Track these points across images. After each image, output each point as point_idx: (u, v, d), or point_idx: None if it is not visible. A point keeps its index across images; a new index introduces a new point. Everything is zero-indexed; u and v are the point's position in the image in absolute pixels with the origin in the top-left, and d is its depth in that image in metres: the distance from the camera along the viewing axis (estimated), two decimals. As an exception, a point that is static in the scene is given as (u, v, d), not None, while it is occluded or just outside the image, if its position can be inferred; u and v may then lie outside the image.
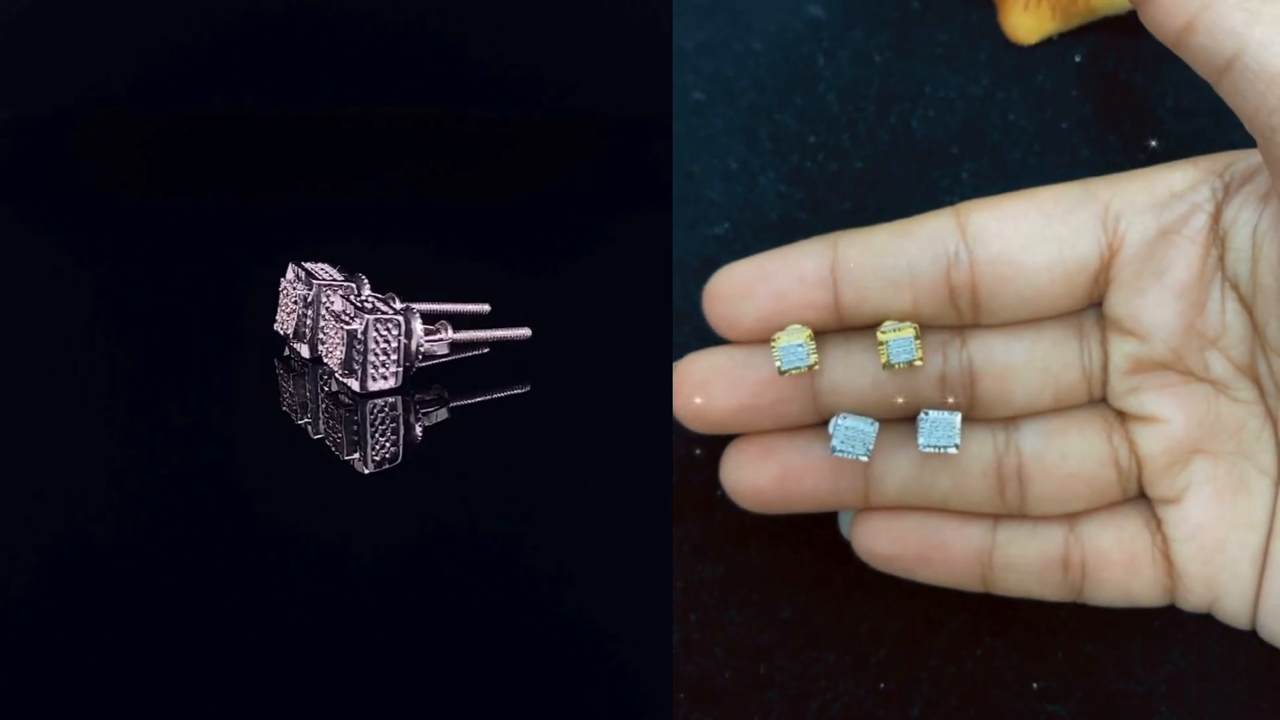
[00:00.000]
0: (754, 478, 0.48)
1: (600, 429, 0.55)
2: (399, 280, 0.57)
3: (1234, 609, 0.47)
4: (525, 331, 0.55)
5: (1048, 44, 0.54)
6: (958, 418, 0.46)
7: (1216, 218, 0.45)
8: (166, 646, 0.45)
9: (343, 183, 0.67)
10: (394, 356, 0.54)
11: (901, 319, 0.47)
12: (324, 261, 0.57)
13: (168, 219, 0.65)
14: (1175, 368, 0.46)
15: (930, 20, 0.54)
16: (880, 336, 0.46)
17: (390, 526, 0.50)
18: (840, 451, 0.47)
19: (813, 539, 0.52)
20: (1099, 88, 0.54)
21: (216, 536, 0.49)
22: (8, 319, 0.59)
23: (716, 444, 0.50)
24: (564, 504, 0.52)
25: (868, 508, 0.48)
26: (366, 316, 0.54)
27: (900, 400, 0.47)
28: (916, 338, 0.46)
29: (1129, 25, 0.54)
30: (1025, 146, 0.54)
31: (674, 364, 0.48)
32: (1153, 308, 0.46)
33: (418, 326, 0.55)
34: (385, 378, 0.54)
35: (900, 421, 0.48)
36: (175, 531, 0.49)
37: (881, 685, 0.51)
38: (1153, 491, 0.47)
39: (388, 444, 0.53)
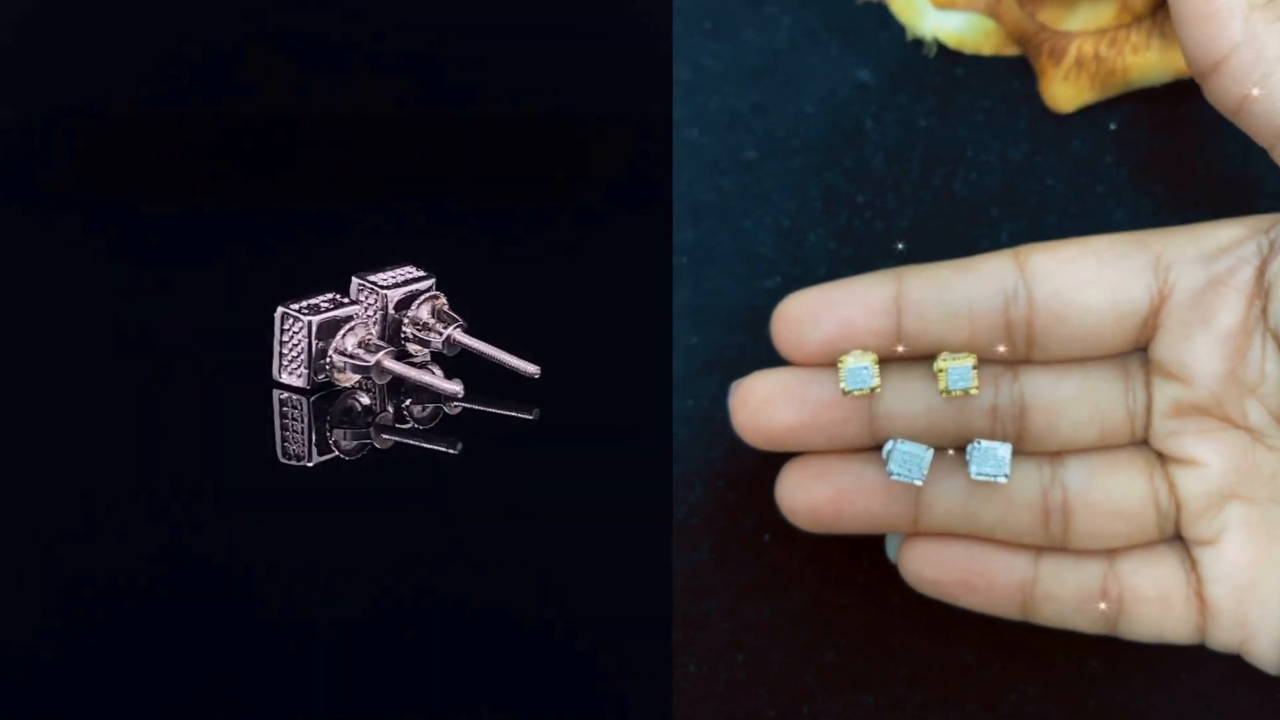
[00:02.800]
0: (810, 497, 0.49)
1: (600, 429, 0.54)
2: (359, 270, 0.56)
3: (1263, 650, 0.48)
4: (534, 369, 0.54)
5: (1085, 112, 0.55)
6: (1008, 449, 0.47)
7: (1262, 271, 0.46)
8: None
9: (342, 183, 0.66)
10: (299, 357, 0.54)
11: (958, 351, 0.48)
12: (314, 266, 0.57)
13: (167, 220, 0.64)
14: (1215, 413, 0.47)
15: (973, 87, 0.55)
16: (939, 364, 0.47)
17: (383, 528, 0.50)
18: (897, 475, 0.47)
19: (855, 584, 0.53)
20: (1132, 154, 0.55)
21: (210, 539, 0.49)
22: (6, 319, 0.59)
23: (758, 485, 0.50)
24: (563, 505, 0.51)
25: (916, 533, 0.49)
26: (291, 309, 0.53)
27: (943, 430, 0.48)
28: (974, 367, 0.47)
29: (1162, 95, 0.54)
30: (1062, 209, 0.54)
31: (736, 382, 0.49)
32: (1198, 353, 0.47)
33: (349, 341, 0.54)
34: (292, 373, 0.54)
35: (952, 452, 0.49)
36: (160, 543, 0.49)
37: (919, 728, 0.52)
38: (1189, 533, 0.48)
39: (293, 443, 0.53)
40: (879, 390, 0.48)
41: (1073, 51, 0.53)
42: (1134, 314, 0.48)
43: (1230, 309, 0.47)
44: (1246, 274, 0.47)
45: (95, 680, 0.44)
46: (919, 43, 0.55)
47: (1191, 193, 0.54)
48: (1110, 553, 0.49)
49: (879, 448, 0.49)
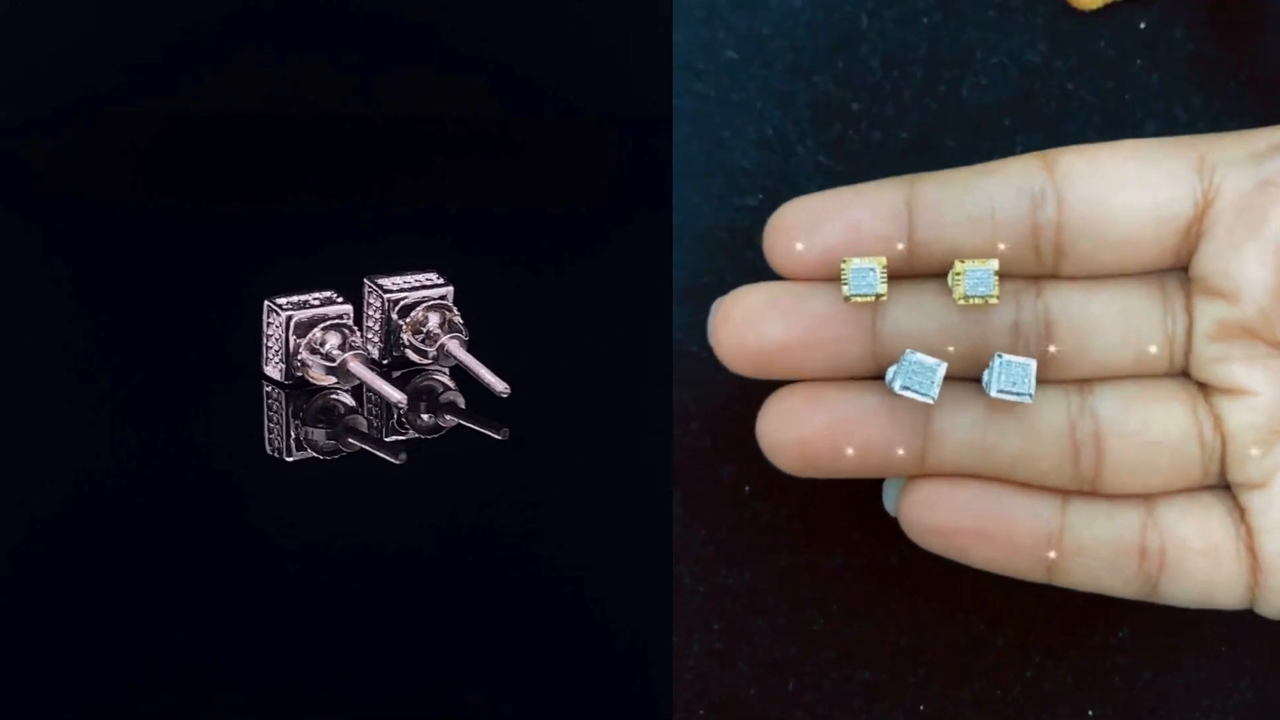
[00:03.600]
0: (799, 428, 0.46)
1: (600, 430, 0.55)
2: (376, 271, 0.58)
3: None
4: (504, 387, 0.56)
5: (1111, 9, 0.53)
6: (1033, 364, 0.45)
7: None
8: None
9: (341, 183, 0.68)
10: (279, 350, 0.57)
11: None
12: (314, 267, 0.60)
13: (167, 220, 0.66)
14: (1264, 336, 0.46)
15: None
16: (956, 269, 0.46)
17: (387, 523, 0.51)
18: (905, 389, 0.45)
19: (848, 542, 0.50)
20: (1166, 57, 0.53)
21: (204, 540, 0.50)
22: (5, 320, 0.60)
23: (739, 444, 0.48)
24: (563, 506, 0.52)
25: (921, 475, 0.47)
26: (275, 303, 0.57)
27: (956, 350, 0.46)
28: (996, 273, 0.45)
29: None
30: (1085, 119, 0.52)
31: (719, 299, 0.47)
32: (1246, 263, 0.45)
33: (328, 339, 0.57)
34: (274, 367, 0.57)
35: (967, 379, 0.47)
36: (155, 538, 0.50)
37: (921, 708, 0.50)
38: (1237, 475, 0.46)
39: (275, 435, 0.56)
40: (885, 301, 0.46)
41: None
42: (1176, 219, 0.46)
43: None
44: None
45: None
46: None
47: (1233, 101, 0.52)
48: (1149, 500, 0.47)
49: (881, 377, 0.46)
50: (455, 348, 0.57)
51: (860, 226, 0.46)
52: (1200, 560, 0.46)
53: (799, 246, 0.46)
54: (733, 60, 0.52)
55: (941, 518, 0.46)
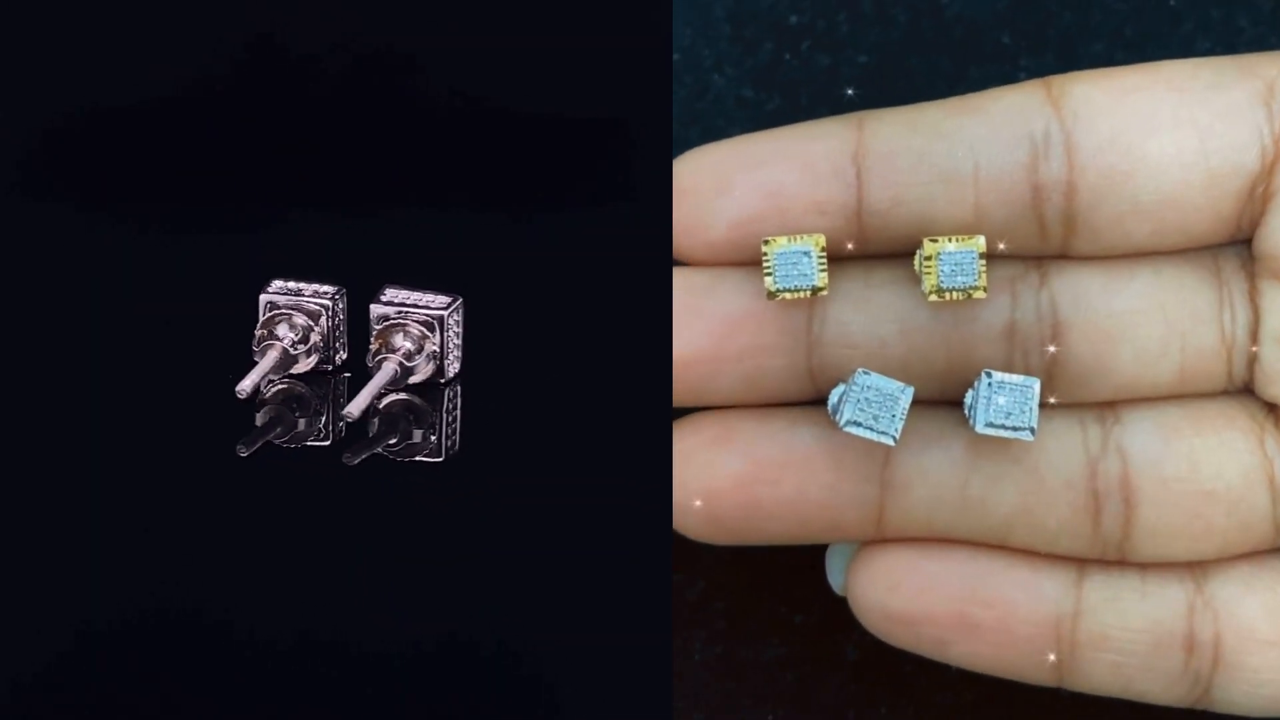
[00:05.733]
0: (706, 477, 0.41)
1: (600, 430, 0.51)
2: (397, 282, 0.56)
3: None
4: (352, 412, 0.53)
5: None
6: (1035, 385, 0.39)
7: None
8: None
9: (339, 183, 0.65)
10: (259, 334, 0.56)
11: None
12: (314, 266, 0.57)
13: (165, 220, 0.63)
14: None
15: None
16: (927, 248, 0.39)
17: (381, 520, 0.49)
18: (854, 425, 0.39)
19: (789, 630, 0.45)
20: None
21: (196, 544, 0.48)
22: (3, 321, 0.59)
23: None
24: (562, 506, 0.48)
25: (879, 538, 0.42)
26: (269, 289, 0.57)
27: (928, 364, 0.41)
28: (982, 255, 0.39)
29: None
30: (1110, 36, 0.47)
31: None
32: None
33: (279, 329, 0.55)
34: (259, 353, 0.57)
35: (941, 405, 0.41)
36: (154, 538, 0.48)
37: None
38: None
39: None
40: (824, 294, 0.40)
41: None
42: (1235, 174, 0.40)
43: None
44: None
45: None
46: None
47: None
48: (1198, 569, 0.41)
49: (821, 401, 0.41)
50: (376, 371, 0.56)
51: (785, 189, 0.40)
52: (1272, 655, 0.41)
53: (701, 220, 0.41)
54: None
55: (906, 601, 0.41)
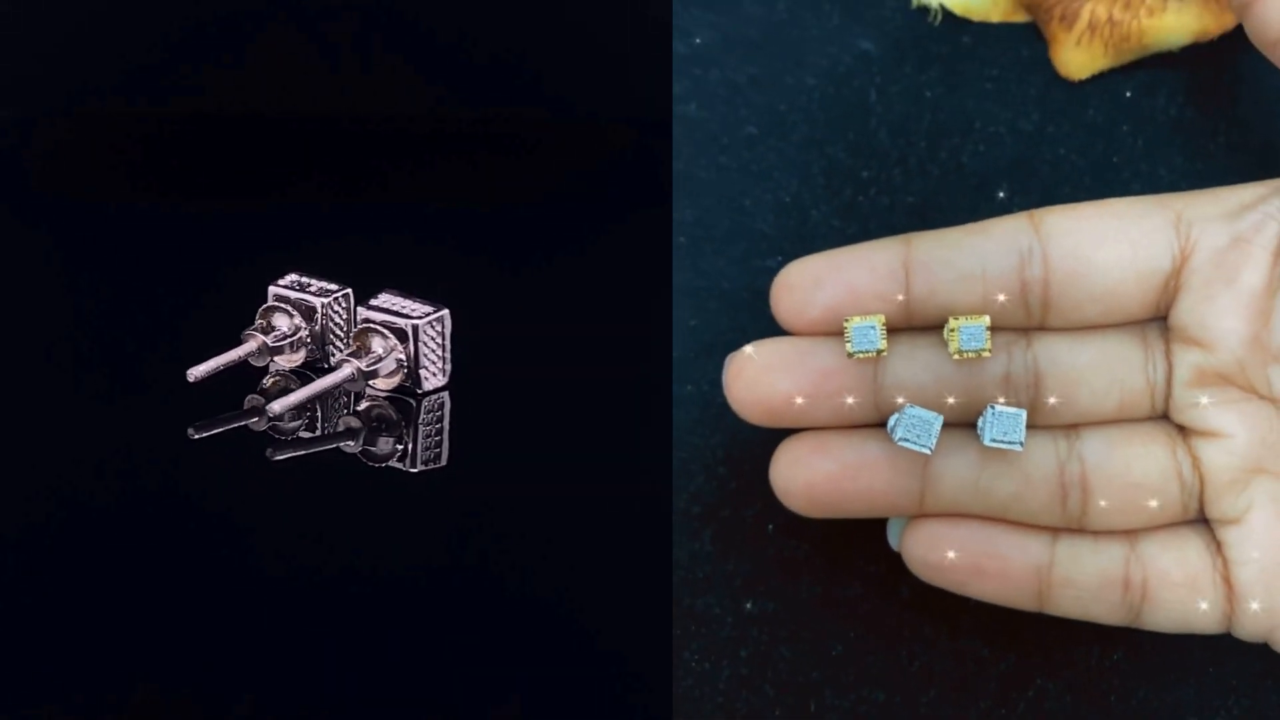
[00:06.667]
0: (808, 474, 0.47)
1: (600, 430, 0.54)
2: (397, 282, 0.57)
3: None
4: (274, 408, 0.53)
5: (1099, 79, 0.54)
6: (1023, 415, 0.46)
7: None
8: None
9: (339, 184, 0.67)
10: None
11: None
12: (315, 266, 0.58)
13: (163, 221, 0.65)
14: (1238, 382, 0.46)
15: (981, 55, 0.54)
16: (950, 324, 0.46)
17: (384, 528, 0.50)
18: (905, 441, 0.46)
19: (864, 575, 0.52)
20: (1150, 123, 0.54)
21: (201, 541, 0.49)
22: (3, 320, 0.59)
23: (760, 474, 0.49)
24: (562, 506, 0.51)
25: (922, 514, 0.48)
26: (280, 281, 0.55)
27: (952, 400, 0.47)
28: (988, 328, 0.46)
29: (1180, 60, 0.54)
30: (1075, 181, 0.54)
31: (731, 354, 0.48)
32: (1221, 315, 0.46)
33: (273, 319, 0.55)
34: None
35: (961, 427, 0.47)
36: (150, 542, 0.49)
37: (932, 725, 0.51)
38: (1214, 511, 0.47)
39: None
40: (885, 355, 0.46)
41: (1085, 15, 0.53)
42: (1155, 273, 0.47)
43: (1255, 267, 0.46)
44: (1272, 230, 0.46)
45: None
46: (924, 10, 0.55)
47: (1212, 162, 0.54)
48: (1132, 535, 0.47)
49: (883, 425, 0.47)
50: (338, 373, 0.54)
51: (859, 285, 0.47)
52: (1179, 591, 0.47)
53: (804, 305, 0.47)
54: (752, 134, 0.54)
55: (940, 555, 0.47)
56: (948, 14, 0.54)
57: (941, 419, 0.46)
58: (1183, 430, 0.47)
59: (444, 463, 0.52)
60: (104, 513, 0.51)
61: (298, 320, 0.55)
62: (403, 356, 0.54)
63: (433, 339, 0.54)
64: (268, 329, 0.55)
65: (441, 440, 0.53)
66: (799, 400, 0.47)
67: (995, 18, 0.54)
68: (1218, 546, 0.47)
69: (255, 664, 0.46)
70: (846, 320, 0.46)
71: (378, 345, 0.54)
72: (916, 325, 0.47)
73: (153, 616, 0.47)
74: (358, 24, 0.69)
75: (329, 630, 0.47)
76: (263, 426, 0.53)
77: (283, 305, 0.55)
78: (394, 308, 0.55)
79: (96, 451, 0.53)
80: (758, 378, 0.47)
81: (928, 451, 0.46)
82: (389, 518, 0.51)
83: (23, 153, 0.67)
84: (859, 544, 0.51)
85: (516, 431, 0.54)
